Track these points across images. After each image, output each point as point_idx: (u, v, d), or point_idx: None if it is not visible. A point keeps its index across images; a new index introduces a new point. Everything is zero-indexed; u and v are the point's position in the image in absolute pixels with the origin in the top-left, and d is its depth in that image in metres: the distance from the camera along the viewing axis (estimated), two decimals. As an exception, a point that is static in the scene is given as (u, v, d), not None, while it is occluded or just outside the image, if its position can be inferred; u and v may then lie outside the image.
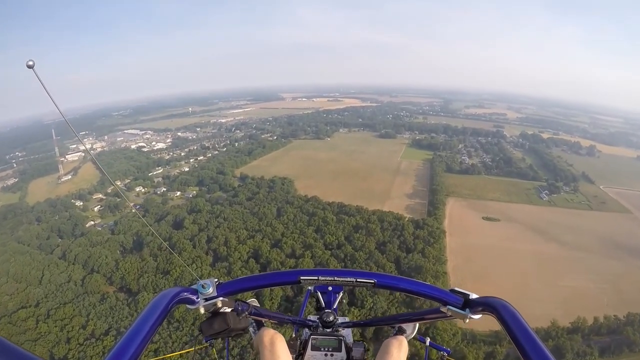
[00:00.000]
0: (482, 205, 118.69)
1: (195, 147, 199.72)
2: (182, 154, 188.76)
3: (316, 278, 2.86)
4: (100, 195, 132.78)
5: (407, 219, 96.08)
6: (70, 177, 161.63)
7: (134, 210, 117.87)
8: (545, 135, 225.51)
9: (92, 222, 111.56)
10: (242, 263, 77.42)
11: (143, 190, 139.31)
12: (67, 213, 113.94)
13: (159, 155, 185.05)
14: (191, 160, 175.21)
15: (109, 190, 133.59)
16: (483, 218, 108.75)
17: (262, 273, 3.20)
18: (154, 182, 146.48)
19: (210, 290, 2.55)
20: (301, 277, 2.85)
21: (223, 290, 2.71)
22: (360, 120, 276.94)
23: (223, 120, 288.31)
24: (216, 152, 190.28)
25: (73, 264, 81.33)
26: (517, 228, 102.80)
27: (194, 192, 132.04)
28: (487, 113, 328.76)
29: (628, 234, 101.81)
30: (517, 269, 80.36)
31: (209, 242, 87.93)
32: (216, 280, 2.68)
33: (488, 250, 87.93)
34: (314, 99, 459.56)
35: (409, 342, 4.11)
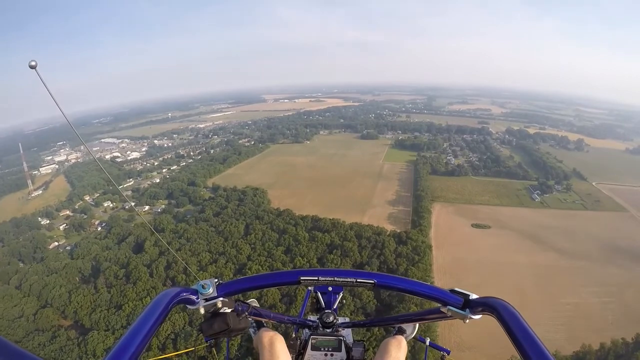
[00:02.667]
0: (470, 210, 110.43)
1: (170, 156, 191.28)
2: (156, 163, 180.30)
3: (316, 278, 2.87)
4: (68, 212, 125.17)
5: (388, 232, 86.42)
6: (41, 192, 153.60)
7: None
8: (531, 130, 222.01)
9: (57, 243, 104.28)
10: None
11: (111, 205, 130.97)
12: (32, 234, 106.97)
13: (132, 166, 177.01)
14: (164, 171, 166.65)
15: (77, 207, 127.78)
16: (472, 225, 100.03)
17: (262, 273, 3.24)
18: (124, 195, 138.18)
19: (211, 290, 2.56)
20: (301, 277, 2.85)
21: (223, 290, 2.70)
22: (341, 120, 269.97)
23: (202, 126, 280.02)
24: (191, 160, 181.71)
25: (28, 295, 74.25)
26: (509, 236, 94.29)
27: (163, 206, 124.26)
28: (471, 109, 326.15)
29: (628, 236, 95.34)
30: (513, 286, 71.27)
31: (168, 268, 79.31)
32: (216, 280, 2.68)
33: (479, 265, 78.85)
34: (296, 100, 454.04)
35: (409, 342, 4.15)
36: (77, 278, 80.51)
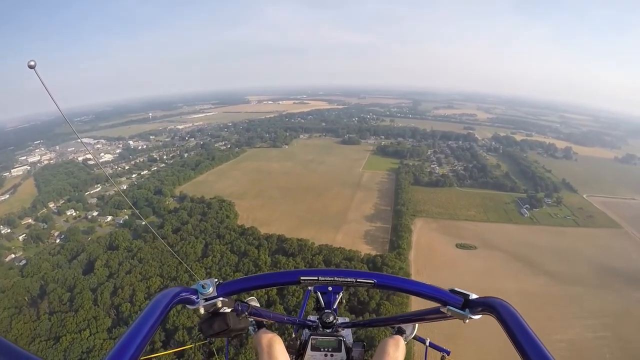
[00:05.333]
0: (455, 227, 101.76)
1: (142, 159, 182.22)
2: (127, 167, 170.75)
3: (316, 278, 2.86)
4: (30, 220, 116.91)
5: (361, 256, 76.97)
6: (7, 196, 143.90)
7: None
8: (518, 137, 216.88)
9: (13, 255, 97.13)
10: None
11: (74, 214, 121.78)
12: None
13: (102, 169, 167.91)
14: (133, 176, 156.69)
15: (39, 214, 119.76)
16: (457, 246, 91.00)
17: (262, 273, 3.20)
18: (88, 203, 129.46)
19: (210, 290, 2.55)
20: (301, 277, 2.83)
21: (223, 290, 2.70)
22: (323, 124, 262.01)
23: (180, 127, 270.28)
24: (163, 164, 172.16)
25: (-27, 317, 68.05)
26: (497, 258, 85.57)
27: (126, 217, 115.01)
28: (456, 114, 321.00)
29: (622, 256, 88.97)
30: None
31: (114, 294, 71.42)
32: (216, 280, 2.68)
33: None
34: (280, 102, 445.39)
35: (409, 342, 4.29)
36: (25, 298, 73.58)
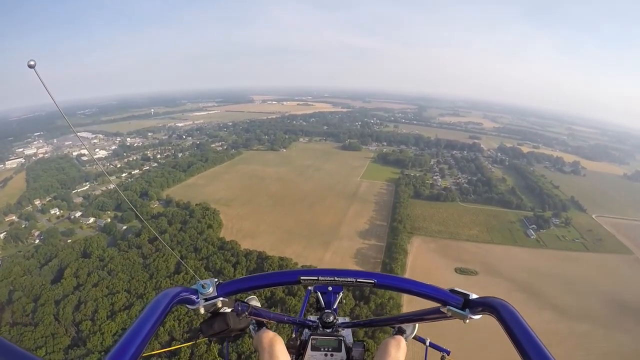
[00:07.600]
0: (455, 248, 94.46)
1: (135, 158, 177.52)
2: (119, 165, 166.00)
3: (316, 278, 2.88)
4: (14, 217, 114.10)
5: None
6: None
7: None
8: (525, 149, 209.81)
9: None
10: (100, 355, 56.42)
11: (58, 213, 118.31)
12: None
13: (94, 166, 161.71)
14: (123, 175, 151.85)
15: (23, 212, 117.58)
16: (456, 270, 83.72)
17: (262, 273, 3.18)
18: (73, 202, 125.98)
19: (211, 290, 2.56)
20: (301, 277, 2.86)
21: (223, 290, 2.72)
22: (325, 128, 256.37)
23: (180, 125, 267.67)
24: (155, 164, 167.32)
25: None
26: (499, 286, 77.95)
27: (109, 219, 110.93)
28: (462, 122, 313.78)
29: (633, 287, 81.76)
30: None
31: (77, 309, 66.05)
32: (216, 280, 2.70)
33: (457, 330, 61.49)
34: (284, 103, 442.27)
35: (408, 342, 4.21)
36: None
